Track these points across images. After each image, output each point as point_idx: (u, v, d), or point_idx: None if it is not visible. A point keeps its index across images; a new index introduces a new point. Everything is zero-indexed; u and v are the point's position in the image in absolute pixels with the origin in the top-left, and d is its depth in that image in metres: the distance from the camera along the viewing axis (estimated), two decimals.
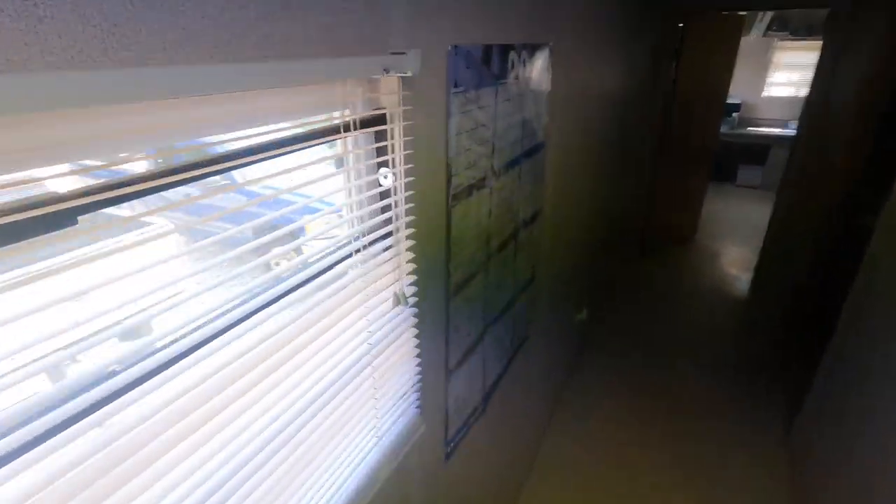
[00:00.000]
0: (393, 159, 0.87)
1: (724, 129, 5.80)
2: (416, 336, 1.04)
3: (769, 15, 5.48)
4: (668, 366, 3.08)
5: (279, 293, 0.70)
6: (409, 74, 0.78)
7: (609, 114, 2.48)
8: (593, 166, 2.41)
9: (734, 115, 6.12)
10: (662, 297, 3.87)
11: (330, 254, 0.78)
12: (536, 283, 1.87)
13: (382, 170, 0.88)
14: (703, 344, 3.30)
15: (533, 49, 1.35)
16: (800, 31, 5.59)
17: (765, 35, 5.74)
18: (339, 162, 0.85)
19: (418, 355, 1.07)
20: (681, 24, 3.55)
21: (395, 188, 0.89)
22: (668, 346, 3.27)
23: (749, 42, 5.69)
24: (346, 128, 0.76)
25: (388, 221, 0.90)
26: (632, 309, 3.70)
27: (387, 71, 0.72)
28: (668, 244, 4.60)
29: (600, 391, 2.85)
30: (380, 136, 0.86)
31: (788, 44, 5.83)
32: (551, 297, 2.15)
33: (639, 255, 4.40)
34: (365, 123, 0.81)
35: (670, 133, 3.96)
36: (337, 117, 0.74)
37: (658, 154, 4.02)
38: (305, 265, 0.74)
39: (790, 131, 5.72)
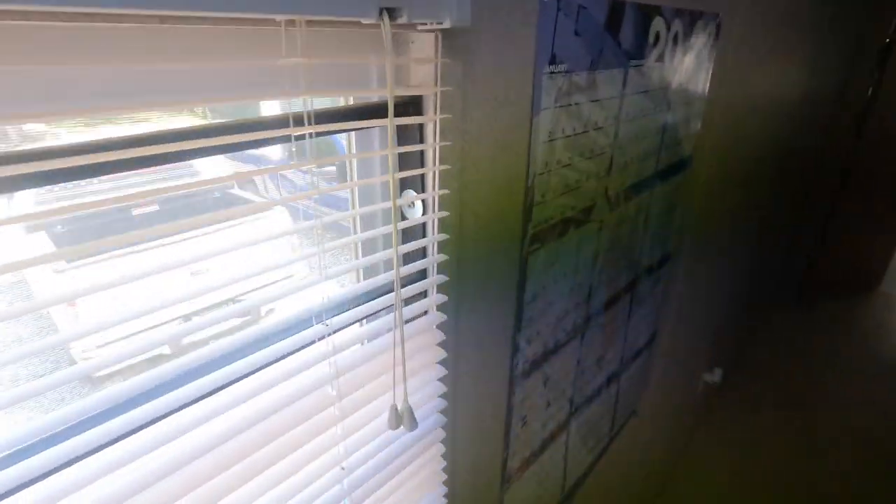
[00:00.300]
0: (427, 175, 0.52)
1: None
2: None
3: None
4: (824, 468, 2.25)
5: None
6: (446, 26, 0.41)
7: (784, 130, 1.85)
8: (753, 197, 1.80)
9: None
10: (828, 364, 2.92)
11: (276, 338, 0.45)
12: (656, 343, 1.38)
13: (408, 193, 0.53)
14: (886, 440, 2.39)
15: (692, 20, 0.90)
16: None
17: None
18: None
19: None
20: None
21: (428, 225, 0.53)
22: (829, 436, 2.41)
23: None
24: (362, 114, 0.43)
25: (413, 279, 0.55)
26: (782, 373, 2.84)
27: (393, 14, 0.36)
28: (842, 292, 3.59)
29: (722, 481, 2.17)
30: (408, 135, 0.51)
31: None
32: (673, 359, 1.62)
33: (799, 304, 3.47)
34: (374, 113, 0.46)
35: (861, 157, 3.04)
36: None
37: (842, 186, 3.13)
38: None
39: None
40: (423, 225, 0.54)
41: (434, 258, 0.54)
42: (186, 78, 0.35)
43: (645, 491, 1.86)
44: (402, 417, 0.48)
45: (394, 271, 0.46)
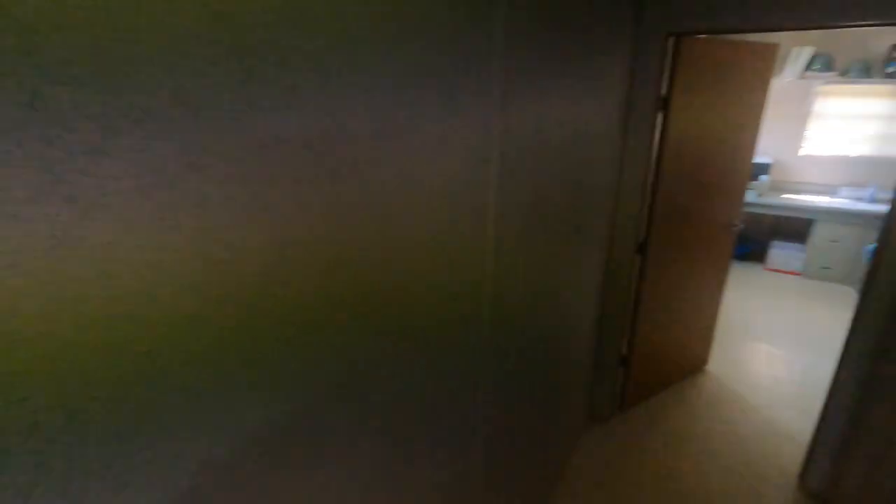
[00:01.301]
0: None
1: (749, 196, 4.63)
2: None
3: (807, 50, 4.39)
4: None
5: None
6: None
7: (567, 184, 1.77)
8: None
9: (762, 178, 4.78)
10: (649, 483, 2.43)
11: None
12: None
13: None
14: None
15: None
16: (852, 72, 4.36)
17: (802, 77, 4.55)
18: None
19: None
20: (671, 49, 2.17)
21: None
22: None
23: (782, 86, 4.62)
24: None
25: None
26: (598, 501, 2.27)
27: None
28: (661, 384, 2.94)
29: None
30: None
31: (835, 88, 4.54)
32: None
33: (609, 411, 2.74)
34: None
35: (659, 209, 2.45)
36: None
37: (646, 242, 2.48)
38: None
39: (843, 201, 4.55)
40: None
41: None
42: None
43: None
44: None
45: None
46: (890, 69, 4.16)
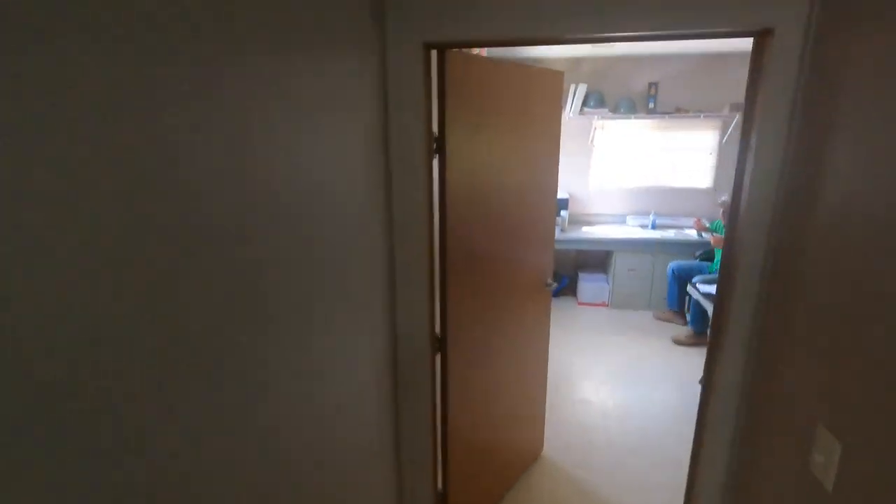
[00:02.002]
0: None
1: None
2: None
3: (582, 87, 4.40)
4: None
5: None
6: None
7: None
8: None
9: (563, 213, 4.68)
10: None
11: None
12: None
13: None
14: None
15: None
16: (622, 108, 4.53)
17: (582, 113, 4.57)
18: None
19: None
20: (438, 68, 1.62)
21: None
22: None
23: (567, 121, 4.60)
24: None
25: None
26: None
27: None
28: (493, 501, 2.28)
29: None
30: None
31: (610, 123, 4.70)
32: None
33: None
34: None
35: (455, 280, 1.85)
36: None
37: (444, 331, 1.79)
38: None
39: (631, 231, 4.68)
40: None
41: None
42: None
43: None
44: None
45: None
46: (651, 104, 4.44)
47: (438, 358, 1.79)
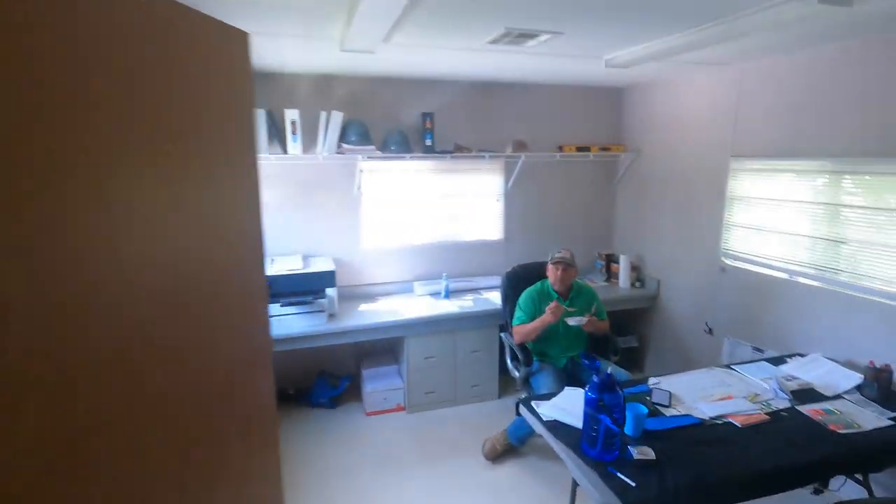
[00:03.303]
0: None
1: (314, 323, 3.06)
2: None
3: (337, 116, 3.11)
4: None
5: None
6: None
7: None
8: None
9: (329, 292, 3.21)
10: None
11: None
12: None
13: None
14: None
15: None
16: (391, 145, 3.36)
17: (340, 151, 3.25)
18: None
19: None
20: None
21: None
22: None
23: (321, 163, 3.34)
24: None
25: None
26: None
27: None
28: None
29: None
30: None
31: (379, 165, 3.54)
32: None
33: None
34: None
35: None
36: None
37: None
38: None
39: (425, 303, 3.39)
40: None
41: None
42: None
43: None
44: None
45: None
46: (428, 141, 3.43)
47: None
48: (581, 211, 4.27)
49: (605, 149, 4.01)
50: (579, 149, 3.94)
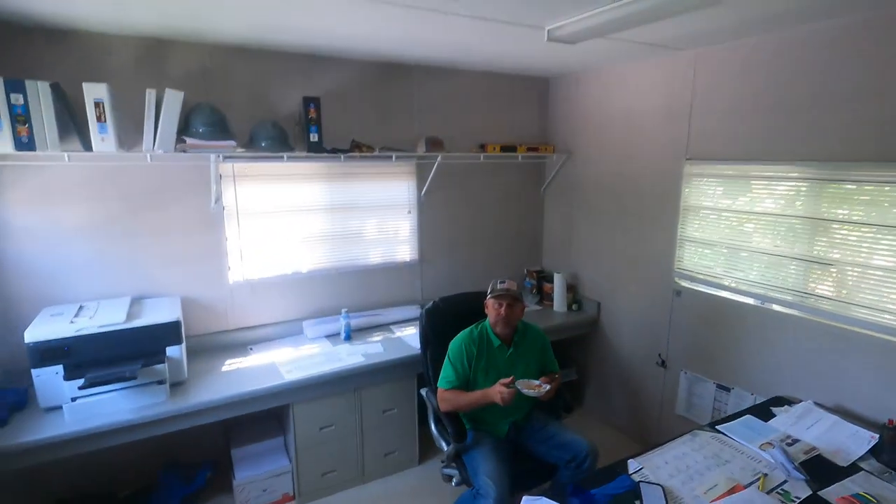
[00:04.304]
0: None
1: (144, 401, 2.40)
2: None
3: (174, 97, 2.09)
4: None
5: None
6: None
7: None
8: None
9: (171, 351, 2.21)
10: None
11: None
12: None
13: None
14: None
15: None
16: (262, 141, 2.43)
17: (182, 148, 2.21)
18: None
19: None
20: None
21: None
22: None
23: (150, 167, 2.33)
24: None
25: None
26: None
27: None
28: None
29: None
30: None
31: (248, 167, 2.59)
32: None
33: None
34: None
35: None
36: None
37: None
38: None
39: (320, 350, 2.41)
40: None
41: None
42: None
43: None
44: None
45: None
46: (313, 135, 2.54)
47: None
48: (510, 222, 3.63)
49: (532, 149, 3.40)
50: (504, 149, 3.28)
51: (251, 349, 2.71)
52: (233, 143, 2.32)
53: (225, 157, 2.42)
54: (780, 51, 2.18)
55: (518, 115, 3.49)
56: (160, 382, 2.15)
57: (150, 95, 2.12)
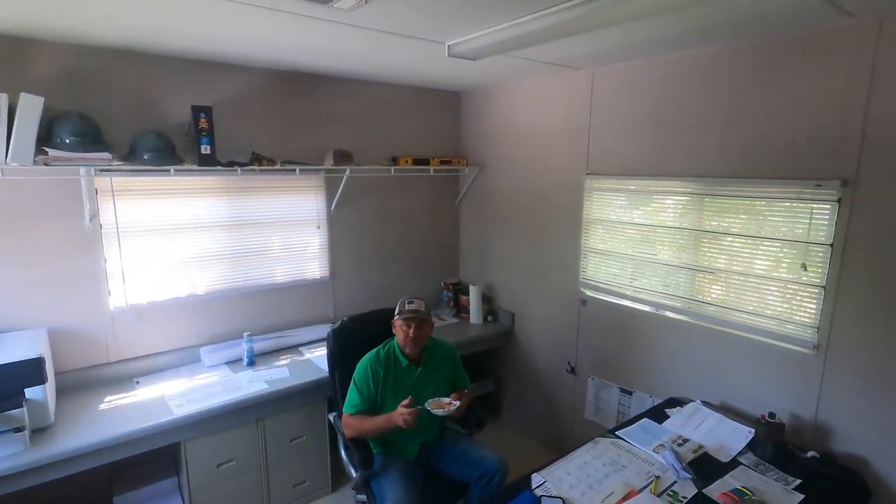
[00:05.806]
0: None
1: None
2: None
3: (33, 103, 1.84)
4: None
5: None
6: None
7: None
8: None
9: (32, 394, 1.91)
10: None
11: None
12: None
13: None
14: None
15: None
16: (143, 153, 2.20)
17: (41, 158, 1.97)
18: None
19: None
20: None
21: None
22: None
23: (4, 181, 2.06)
24: None
25: None
26: None
27: None
28: None
29: None
30: None
31: (125, 182, 2.34)
32: None
33: None
34: None
35: None
36: None
37: None
38: None
39: (218, 377, 2.21)
40: None
41: None
42: None
43: None
44: None
45: None
46: (205, 147, 2.35)
47: None
48: (423, 236, 3.60)
49: (445, 162, 3.40)
50: (417, 161, 3.26)
51: (138, 382, 2.45)
52: (107, 155, 2.09)
53: (100, 171, 2.17)
54: (666, 73, 2.34)
55: (433, 128, 3.49)
56: (17, 430, 1.87)
57: (2, 100, 1.86)
